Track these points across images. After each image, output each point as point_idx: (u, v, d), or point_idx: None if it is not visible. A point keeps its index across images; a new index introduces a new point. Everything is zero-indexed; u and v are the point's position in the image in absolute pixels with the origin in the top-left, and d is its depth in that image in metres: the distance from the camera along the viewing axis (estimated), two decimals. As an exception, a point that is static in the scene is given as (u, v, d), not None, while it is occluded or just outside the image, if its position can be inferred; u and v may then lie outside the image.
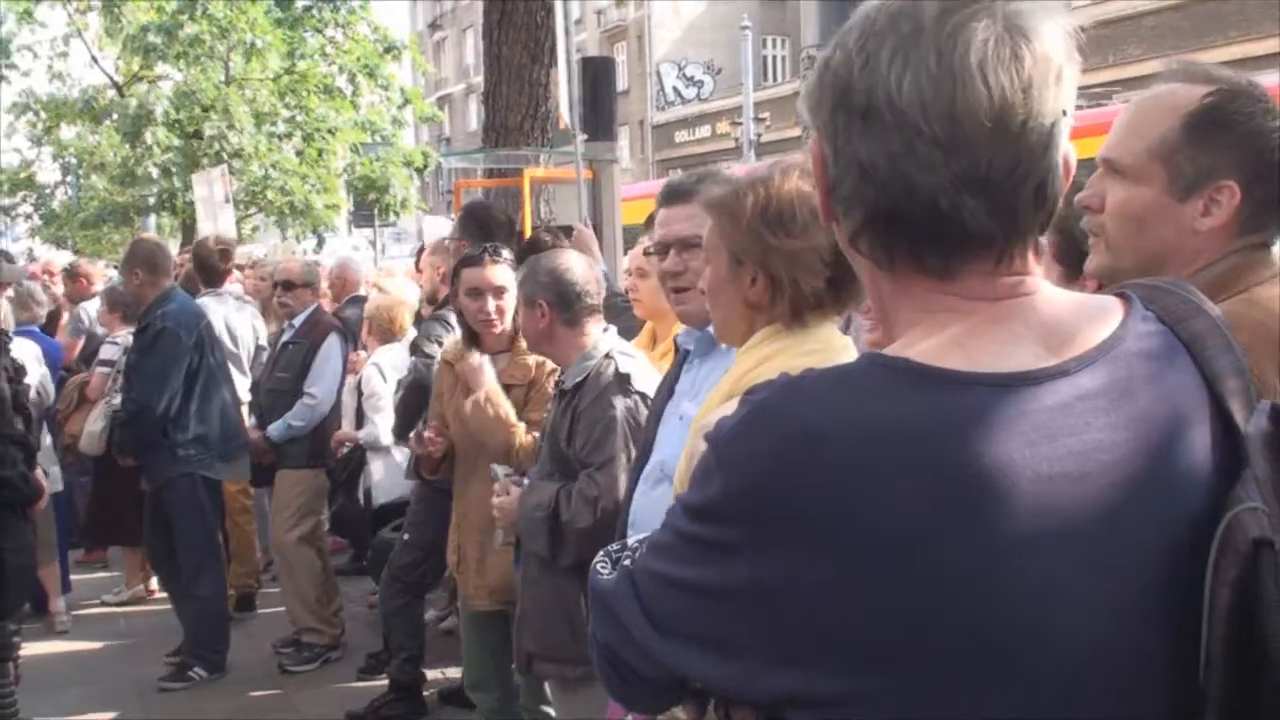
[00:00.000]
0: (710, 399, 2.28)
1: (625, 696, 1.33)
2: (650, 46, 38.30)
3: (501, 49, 7.56)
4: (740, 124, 28.51)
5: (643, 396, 3.41)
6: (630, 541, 1.34)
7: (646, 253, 3.66)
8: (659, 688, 1.27)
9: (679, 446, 2.52)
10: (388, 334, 6.21)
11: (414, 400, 5.03)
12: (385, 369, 5.89)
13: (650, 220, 4.96)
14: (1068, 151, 1.11)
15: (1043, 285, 1.14)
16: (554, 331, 3.68)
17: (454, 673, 5.62)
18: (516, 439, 4.17)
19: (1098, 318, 1.13)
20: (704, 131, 34.61)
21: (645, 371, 3.56)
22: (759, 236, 2.16)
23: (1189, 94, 1.81)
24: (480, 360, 4.30)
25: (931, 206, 1.08)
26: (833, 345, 2.19)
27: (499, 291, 4.31)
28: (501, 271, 4.32)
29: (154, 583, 7.53)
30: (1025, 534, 1.02)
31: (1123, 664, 1.06)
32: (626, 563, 1.25)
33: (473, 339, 4.40)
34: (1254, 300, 1.67)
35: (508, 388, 4.31)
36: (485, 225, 5.44)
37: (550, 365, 4.12)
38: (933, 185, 1.07)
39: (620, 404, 3.46)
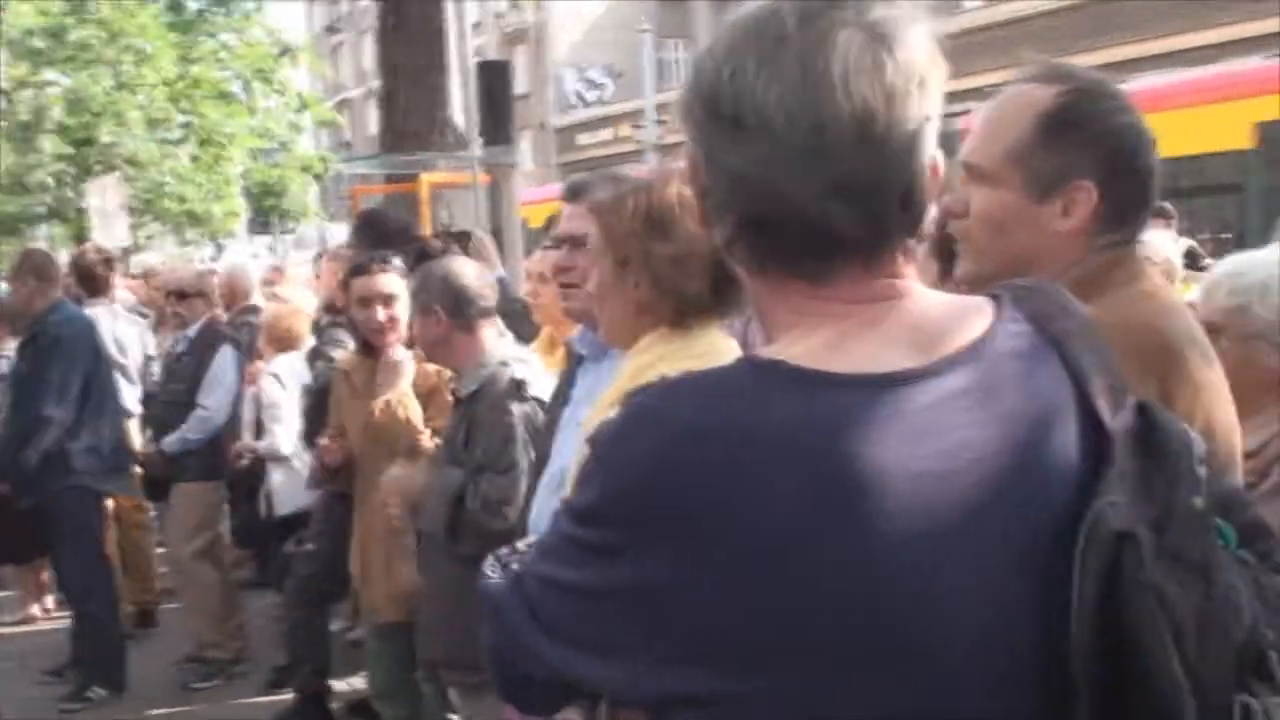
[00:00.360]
0: (599, 403, 2.29)
1: (517, 699, 1.33)
2: (549, 49, 38.24)
3: (397, 53, 7.52)
4: (642, 127, 28.59)
5: (539, 402, 3.41)
6: (519, 545, 1.35)
7: (544, 247, 3.67)
8: (550, 690, 1.26)
9: (574, 454, 2.54)
10: (285, 343, 6.13)
11: (319, 405, 4.98)
12: (284, 378, 5.81)
13: (551, 222, 4.97)
14: (935, 156, 1.13)
15: (915, 288, 1.16)
16: (450, 338, 3.67)
17: (360, 683, 5.56)
18: (422, 443, 4.15)
19: (968, 319, 1.16)
20: (606, 134, 34.65)
21: (540, 377, 3.57)
22: (640, 240, 2.18)
23: (1043, 94, 1.80)
24: (403, 357, 4.27)
25: (800, 214, 1.10)
26: (718, 349, 2.20)
27: (388, 300, 4.30)
28: (390, 280, 4.32)
29: (49, 601, 7.36)
30: (899, 533, 1.04)
31: (998, 659, 1.08)
32: (514, 566, 1.26)
33: (366, 348, 4.39)
34: (1112, 305, 1.68)
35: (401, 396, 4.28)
36: (380, 232, 5.41)
37: (448, 373, 4.12)
38: (800, 193, 1.09)
39: (517, 410, 3.47)
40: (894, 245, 1.14)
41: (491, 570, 1.30)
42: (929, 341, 1.12)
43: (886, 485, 1.04)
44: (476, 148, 6.55)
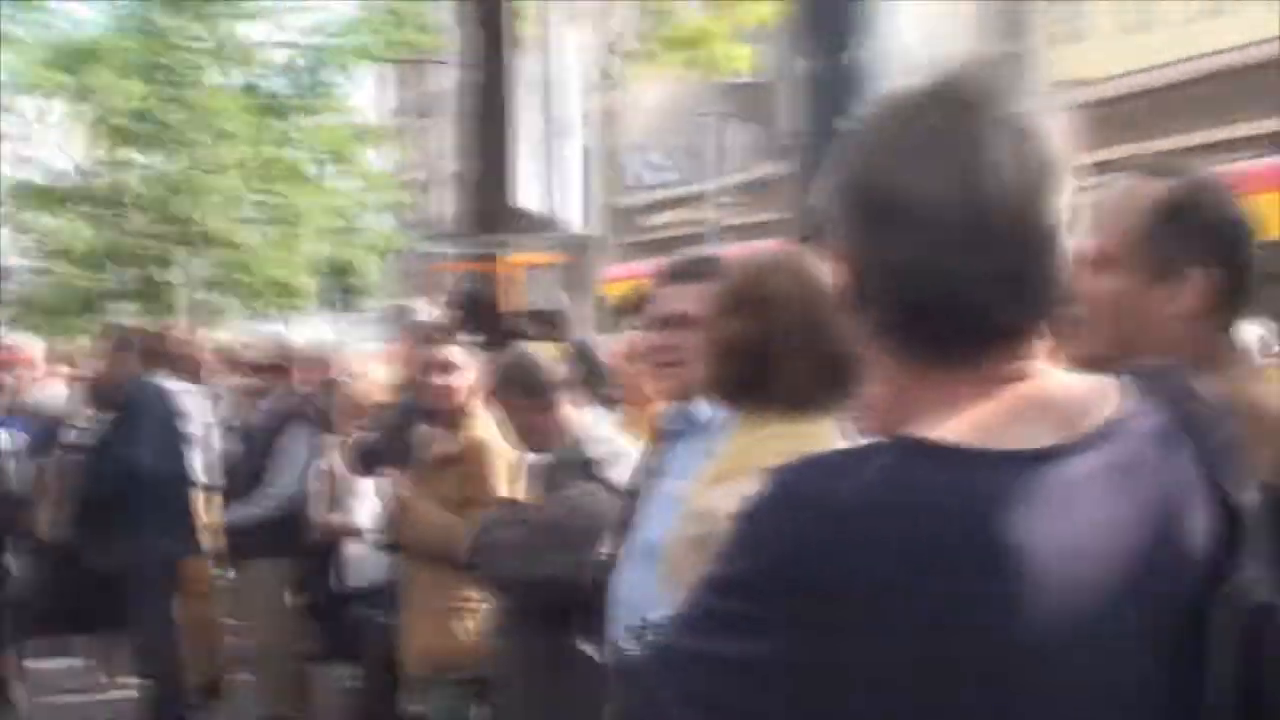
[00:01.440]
0: (701, 478, 2.30)
1: None
2: (617, 132, 38.70)
3: (477, 135, 7.65)
4: (705, 209, 28.73)
5: (606, 481, 3.48)
6: (652, 617, 1.35)
7: (634, 327, 3.78)
8: None
9: (666, 525, 2.54)
10: (361, 417, 6.17)
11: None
12: (360, 454, 5.83)
13: (633, 304, 5.03)
14: (1068, 244, 1.18)
15: (1047, 368, 1.19)
16: (531, 422, 3.80)
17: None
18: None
19: (1100, 398, 1.18)
20: (669, 217, 34.84)
21: (622, 453, 3.60)
22: (752, 324, 2.21)
23: (1157, 185, 1.91)
24: (429, 434, 4.52)
25: (961, 302, 1.14)
26: (824, 431, 2.20)
27: (446, 368, 4.53)
28: (451, 350, 4.61)
29: (117, 671, 7.42)
30: (1045, 611, 1.05)
31: None
32: (652, 639, 1.26)
33: (428, 416, 4.63)
34: (1224, 385, 1.73)
35: (446, 460, 4.49)
36: (477, 311, 5.55)
37: (495, 446, 4.32)
38: (963, 282, 1.13)
39: (581, 489, 3.54)
40: (1039, 329, 1.18)
41: (627, 643, 1.30)
42: (1067, 419, 1.14)
43: (1036, 562, 1.04)
44: (560, 228, 6.64)
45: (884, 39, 3.75)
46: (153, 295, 20.40)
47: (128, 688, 6.68)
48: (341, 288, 22.51)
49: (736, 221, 28.27)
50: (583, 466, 3.59)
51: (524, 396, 3.80)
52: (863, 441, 1.21)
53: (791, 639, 1.07)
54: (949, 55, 1.21)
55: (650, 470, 2.92)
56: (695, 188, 32.47)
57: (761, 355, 2.19)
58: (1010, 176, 1.12)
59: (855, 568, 1.05)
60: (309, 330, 16.65)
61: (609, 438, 3.78)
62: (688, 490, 2.34)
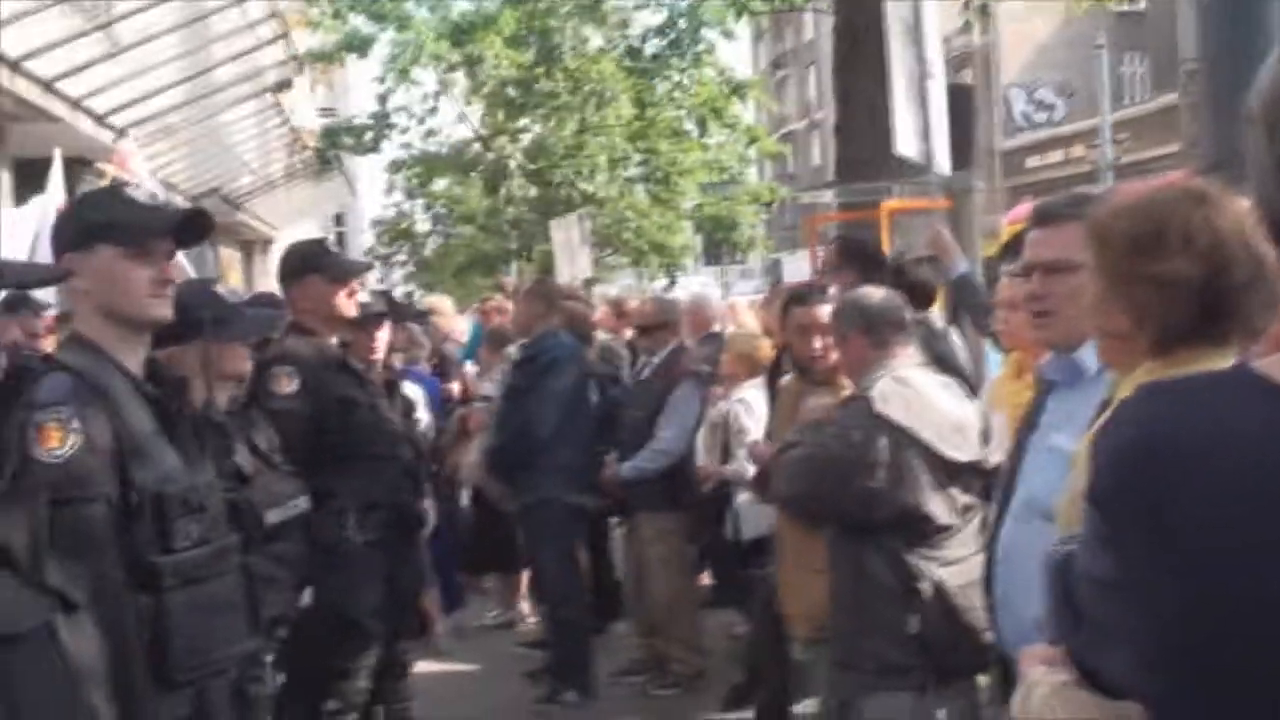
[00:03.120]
0: (1093, 432, 2.19)
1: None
2: (999, 71, 37.32)
3: (852, 83, 7.57)
4: (1097, 146, 27.31)
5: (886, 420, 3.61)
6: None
7: (1009, 274, 3.67)
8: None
9: (1051, 480, 2.45)
10: (750, 369, 6.26)
11: None
12: (751, 404, 5.94)
13: (1009, 248, 4.85)
14: None
15: None
16: (866, 357, 3.82)
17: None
18: None
19: None
20: (1056, 156, 33.35)
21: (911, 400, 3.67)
22: (1125, 263, 2.04)
23: None
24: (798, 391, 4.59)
25: None
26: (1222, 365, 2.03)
27: (825, 329, 4.40)
28: (828, 310, 4.43)
29: (526, 607, 7.91)
30: None
31: None
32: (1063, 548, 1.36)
33: (802, 374, 4.62)
34: None
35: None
36: (866, 260, 5.45)
37: None
38: None
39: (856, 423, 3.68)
40: None
41: (1055, 548, 1.40)
42: None
43: None
44: (935, 173, 6.47)
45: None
46: (537, 259, 21.44)
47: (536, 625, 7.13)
48: (723, 242, 22.88)
49: (1131, 159, 26.76)
50: (865, 404, 3.66)
51: (866, 334, 3.81)
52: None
53: (1121, 556, 1.13)
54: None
55: (1031, 423, 2.82)
56: (1084, 124, 30.95)
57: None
58: None
59: (1166, 492, 1.09)
60: (693, 286, 17.13)
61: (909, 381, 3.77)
62: (1078, 445, 2.24)
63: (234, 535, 2.95)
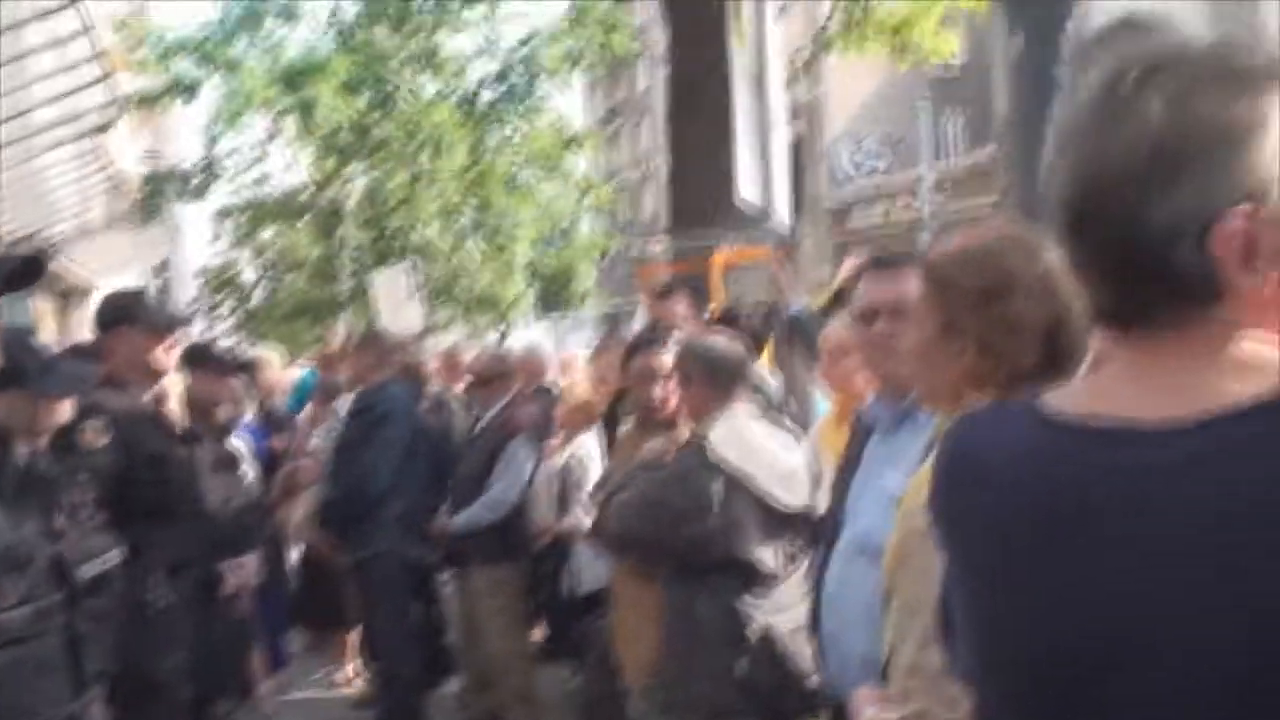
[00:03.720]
0: (921, 476, 2.21)
1: None
2: (823, 126, 38.27)
3: (686, 132, 7.65)
4: (918, 200, 28.22)
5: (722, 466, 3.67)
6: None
7: (852, 317, 3.78)
8: None
9: (878, 520, 2.48)
10: (584, 422, 6.24)
11: None
12: (585, 458, 5.90)
13: (838, 298, 4.93)
14: None
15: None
16: (708, 405, 3.88)
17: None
18: None
19: None
20: (880, 209, 34.30)
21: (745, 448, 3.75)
22: (976, 307, 2.08)
23: None
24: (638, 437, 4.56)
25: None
26: None
27: (667, 376, 4.43)
28: (669, 357, 4.45)
29: (351, 668, 7.70)
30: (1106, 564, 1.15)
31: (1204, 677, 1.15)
32: None
33: (642, 421, 4.63)
34: None
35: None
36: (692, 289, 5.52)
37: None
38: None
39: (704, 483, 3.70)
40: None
41: None
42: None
43: (1088, 521, 1.12)
44: (775, 222, 6.56)
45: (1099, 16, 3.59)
46: (368, 306, 21.12)
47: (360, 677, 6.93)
48: (556, 293, 22.90)
49: (951, 209, 27.70)
50: (701, 449, 3.72)
51: (705, 381, 3.89)
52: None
53: (946, 563, 1.28)
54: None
55: (852, 465, 2.89)
56: (906, 176, 31.94)
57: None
58: None
59: (953, 508, 1.27)
60: (526, 338, 17.03)
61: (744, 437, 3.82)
62: (907, 486, 2.27)
63: (56, 593, 2.80)
